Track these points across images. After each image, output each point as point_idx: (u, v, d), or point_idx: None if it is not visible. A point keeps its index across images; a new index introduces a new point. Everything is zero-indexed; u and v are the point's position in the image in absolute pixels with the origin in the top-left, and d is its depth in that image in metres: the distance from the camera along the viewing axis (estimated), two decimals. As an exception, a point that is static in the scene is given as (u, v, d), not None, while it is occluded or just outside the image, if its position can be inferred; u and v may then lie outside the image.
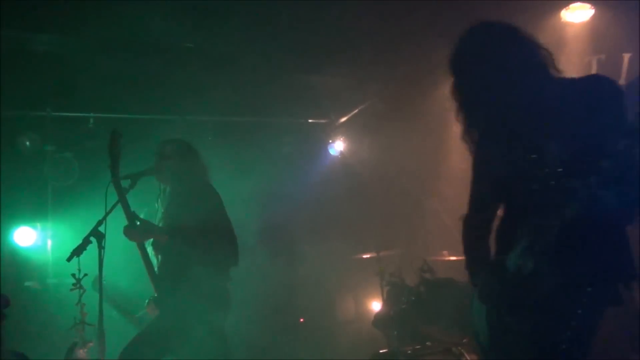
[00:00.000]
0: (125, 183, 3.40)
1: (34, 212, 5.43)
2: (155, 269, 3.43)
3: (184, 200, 3.50)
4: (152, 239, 3.46)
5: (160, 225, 3.53)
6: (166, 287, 3.36)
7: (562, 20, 4.32)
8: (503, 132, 2.11)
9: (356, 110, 6.85)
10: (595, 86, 2.01)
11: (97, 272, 3.18)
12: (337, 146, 7.03)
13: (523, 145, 2.03)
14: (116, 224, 3.31)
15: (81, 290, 3.37)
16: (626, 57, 4.05)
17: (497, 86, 2.02)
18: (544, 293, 1.98)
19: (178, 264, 3.38)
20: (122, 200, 3.32)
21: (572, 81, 2.08)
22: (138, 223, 3.35)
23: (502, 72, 2.01)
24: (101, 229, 3.21)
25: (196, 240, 3.28)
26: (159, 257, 3.50)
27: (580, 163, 1.80)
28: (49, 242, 5.46)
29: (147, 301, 3.50)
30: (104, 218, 3.23)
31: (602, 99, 1.95)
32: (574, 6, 4.30)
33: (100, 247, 3.16)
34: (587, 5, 4.29)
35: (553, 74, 2.05)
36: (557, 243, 1.91)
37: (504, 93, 2.02)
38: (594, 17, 4.29)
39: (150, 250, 3.45)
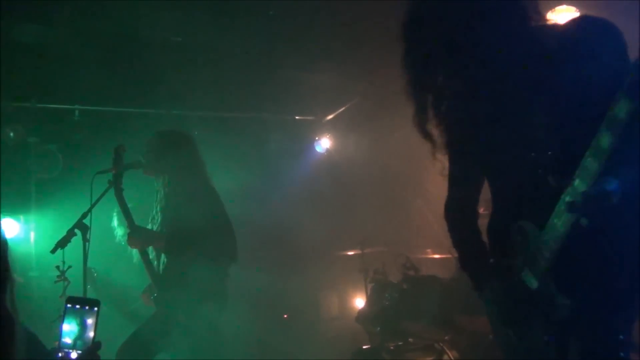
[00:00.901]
0: (109, 176, 3.38)
1: (17, 204, 5.38)
2: (156, 267, 3.43)
3: (181, 198, 3.44)
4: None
5: (158, 221, 3.51)
6: (166, 286, 3.36)
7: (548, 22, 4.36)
8: (471, 104, 1.71)
9: (343, 108, 6.87)
10: (587, 32, 1.59)
11: (81, 264, 3.17)
12: (324, 143, 7.06)
13: (498, 123, 1.67)
14: (101, 216, 3.30)
15: (65, 283, 3.35)
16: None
17: (458, 47, 1.61)
18: (556, 319, 1.61)
19: (178, 263, 3.37)
20: (125, 211, 3.31)
21: (558, 31, 1.65)
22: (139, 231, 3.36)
23: (469, 29, 1.60)
24: (86, 221, 3.20)
25: (195, 241, 3.25)
26: (160, 256, 3.48)
27: (577, 142, 1.45)
28: (32, 235, 5.41)
29: (142, 290, 3.49)
30: (89, 210, 3.22)
31: (599, 48, 1.54)
32: (559, 9, 4.34)
33: (85, 240, 3.15)
34: (573, 8, 4.34)
35: (535, 24, 1.65)
36: (562, 257, 1.56)
37: (467, 56, 1.61)
38: (579, 20, 4.35)
39: (150, 248, 3.44)
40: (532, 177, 1.64)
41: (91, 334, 1.54)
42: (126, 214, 3.32)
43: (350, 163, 6.75)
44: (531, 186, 1.65)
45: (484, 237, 1.97)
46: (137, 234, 3.31)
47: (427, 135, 1.87)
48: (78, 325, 1.54)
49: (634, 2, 3.92)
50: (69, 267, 3.32)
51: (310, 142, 7.13)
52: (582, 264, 1.59)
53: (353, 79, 6.00)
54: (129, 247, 3.40)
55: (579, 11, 4.32)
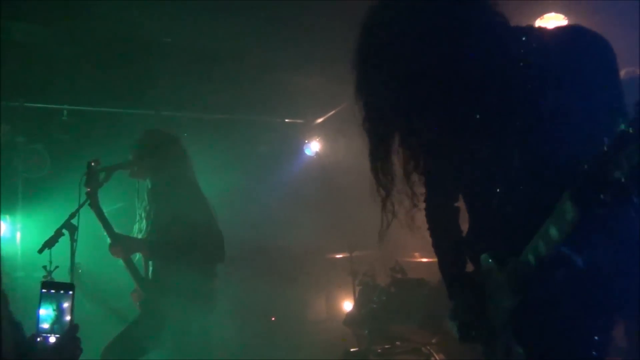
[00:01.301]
0: (99, 175, 3.36)
1: (3, 203, 5.34)
2: (142, 271, 3.41)
3: (164, 200, 3.41)
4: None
5: (144, 226, 3.48)
6: (154, 289, 3.34)
7: (537, 29, 4.41)
8: (444, 134, 1.49)
9: (333, 112, 6.89)
10: (575, 47, 1.38)
11: (68, 264, 3.16)
12: (313, 146, 7.07)
13: (472, 149, 1.52)
14: (90, 216, 3.28)
15: (52, 283, 3.32)
16: (597, 67, 4.15)
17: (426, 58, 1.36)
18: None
19: (165, 267, 3.35)
20: (103, 222, 3.27)
21: (541, 42, 1.41)
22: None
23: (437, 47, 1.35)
24: (74, 221, 3.18)
25: (180, 246, 3.23)
26: (147, 261, 3.45)
27: (556, 168, 1.30)
28: (18, 235, 5.37)
29: (132, 290, 3.47)
30: (77, 210, 3.20)
31: (588, 68, 1.33)
32: (548, 16, 4.39)
33: (73, 240, 3.13)
34: (561, 16, 4.38)
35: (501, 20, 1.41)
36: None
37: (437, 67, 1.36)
38: (567, 27, 4.38)
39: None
40: (501, 211, 1.54)
41: (68, 317, 1.55)
42: (106, 226, 3.27)
43: (340, 166, 6.76)
44: (501, 218, 1.55)
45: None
46: (119, 244, 3.27)
47: (385, 177, 1.68)
48: (55, 310, 1.54)
49: (625, 10, 3.99)
50: (56, 267, 3.29)
51: (300, 145, 7.14)
52: (541, 313, 1.51)
53: (344, 82, 6.00)
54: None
55: (568, 19, 4.37)
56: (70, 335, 1.53)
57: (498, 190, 1.52)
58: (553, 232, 1.28)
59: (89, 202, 3.26)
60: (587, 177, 1.11)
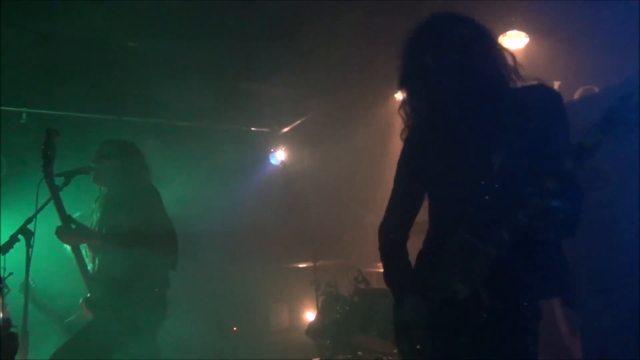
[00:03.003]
0: (59, 181, 3.30)
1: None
2: (90, 270, 3.32)
3: (121, 203, 3.39)
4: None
5: (97, 228, 3.42)
6: (100, 290, 3.26)
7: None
8: (441, 131, 1.95)
9: (299, 121, 6.90)
10: (538, 96, 1.89)
11: (23, 272, 3.06)
12: (278, 155, 7.06)
13: (461, 151, 1.92)
14: (47, 222, 3.20)
15: (5, 290, 3.22)
16: (556, 84, 4.27)
17: (447, 81, 1.86)
18: (478, 319, 1.83)
19: (113, 267, 3.28)
20: (56, 201, 3.20)
21: (521, 90, 1.93)
22: (73, 226, 3.25)
23: (457, 67, 1.85)
24: (30, 227, 3.09)
25: (132, 245, 3.20)
26: (95, 259, 3.38)
27: (520, 180, 1.71)
28: (-29, 241, 5.19)
29: (80, 300, 3.38)
30: (34, 216, 3.12)
31: (545, 110, 1.84)
32: (510, 33, 4.51)
33: (29, 246, 3.04)
34: (523, 34, 4.51)
35: (512, 79, 1.92)
36: (494, 266, 1.79)
37: (453, 90, 1.86)
38: (528, 45, 4.51)
39: (85, 251, 3.35)
40: (474, 204, 1.88)
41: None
42: (58, 205, 3.20)
43: (305, 176, 6.78)
44: (471, 203, 1.89)
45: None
46: (69, 229, 3.21)
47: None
48: None
49: (577, 31, 4.14)
50: (10, 274, 3.20)
51: (265, 154, 7.13)
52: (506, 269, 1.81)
53: (309, 92, 6.04)
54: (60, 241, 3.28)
55: (528, 36, 4.50)
56: (5, 328, 1.45)
57: (474, 181, 1.89)
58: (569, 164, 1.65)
59: (43, 169, 3.21)
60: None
